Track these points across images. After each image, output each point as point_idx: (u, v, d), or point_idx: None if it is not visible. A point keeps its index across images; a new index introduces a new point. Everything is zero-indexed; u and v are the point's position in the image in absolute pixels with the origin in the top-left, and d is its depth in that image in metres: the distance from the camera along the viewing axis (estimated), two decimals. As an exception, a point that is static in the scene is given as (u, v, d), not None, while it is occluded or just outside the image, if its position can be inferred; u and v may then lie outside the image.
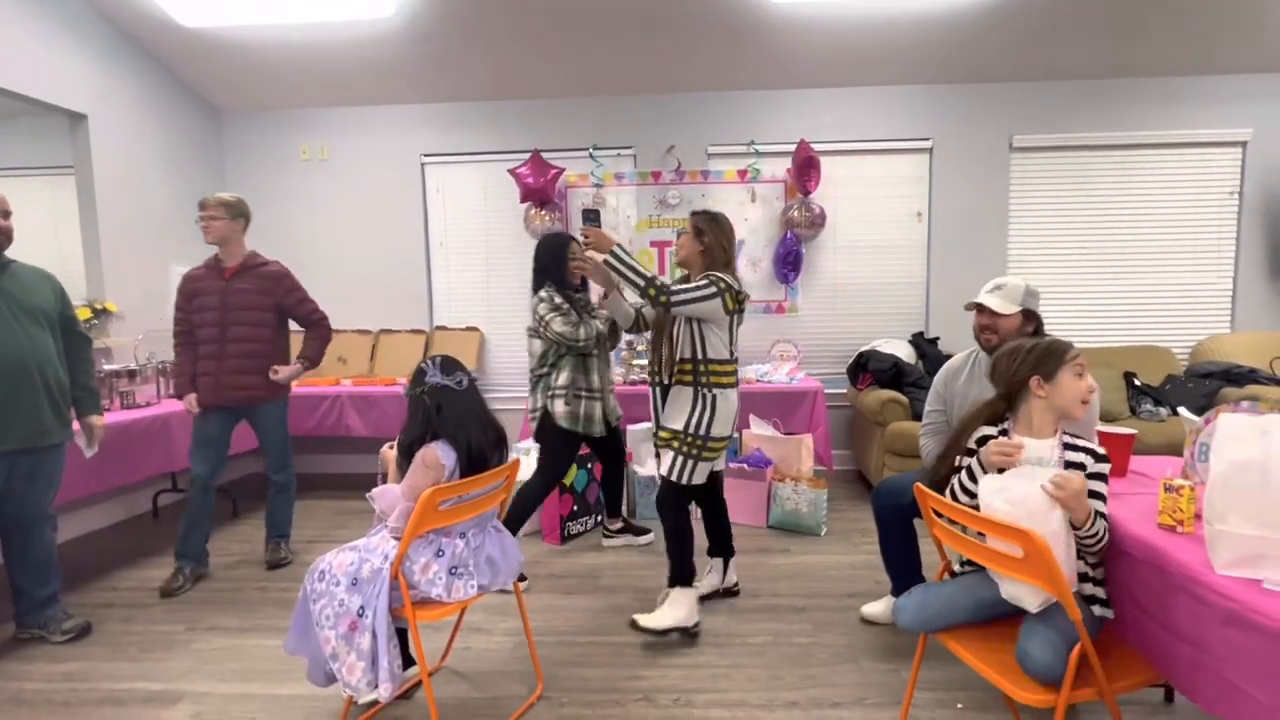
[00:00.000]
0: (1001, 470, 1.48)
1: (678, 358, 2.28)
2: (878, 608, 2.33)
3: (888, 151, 4.31)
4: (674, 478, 2.24)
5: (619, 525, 3.17)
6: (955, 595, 1.54)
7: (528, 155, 4.20)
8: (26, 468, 2.23)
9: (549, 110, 4.38)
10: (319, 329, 2.92)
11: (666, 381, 2.35)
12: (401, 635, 1.81)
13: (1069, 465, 1.46)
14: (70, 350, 2.38)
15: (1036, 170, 4.29)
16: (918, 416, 3.43)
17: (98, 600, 2.66)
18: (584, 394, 2.76)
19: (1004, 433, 1.57)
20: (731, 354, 2.26)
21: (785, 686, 1.97)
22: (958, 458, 1.61)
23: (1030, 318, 1.99)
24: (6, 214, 2.16)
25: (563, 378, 2.73)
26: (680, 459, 2.23)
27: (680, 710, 1.86)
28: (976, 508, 1.43)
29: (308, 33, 3.73)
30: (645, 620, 2.20)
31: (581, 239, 2.30)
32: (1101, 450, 1.50)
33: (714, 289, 2.13)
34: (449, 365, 1.80)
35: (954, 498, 1.56)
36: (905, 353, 3.99)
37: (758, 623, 2.36)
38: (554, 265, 2.74)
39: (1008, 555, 1.30)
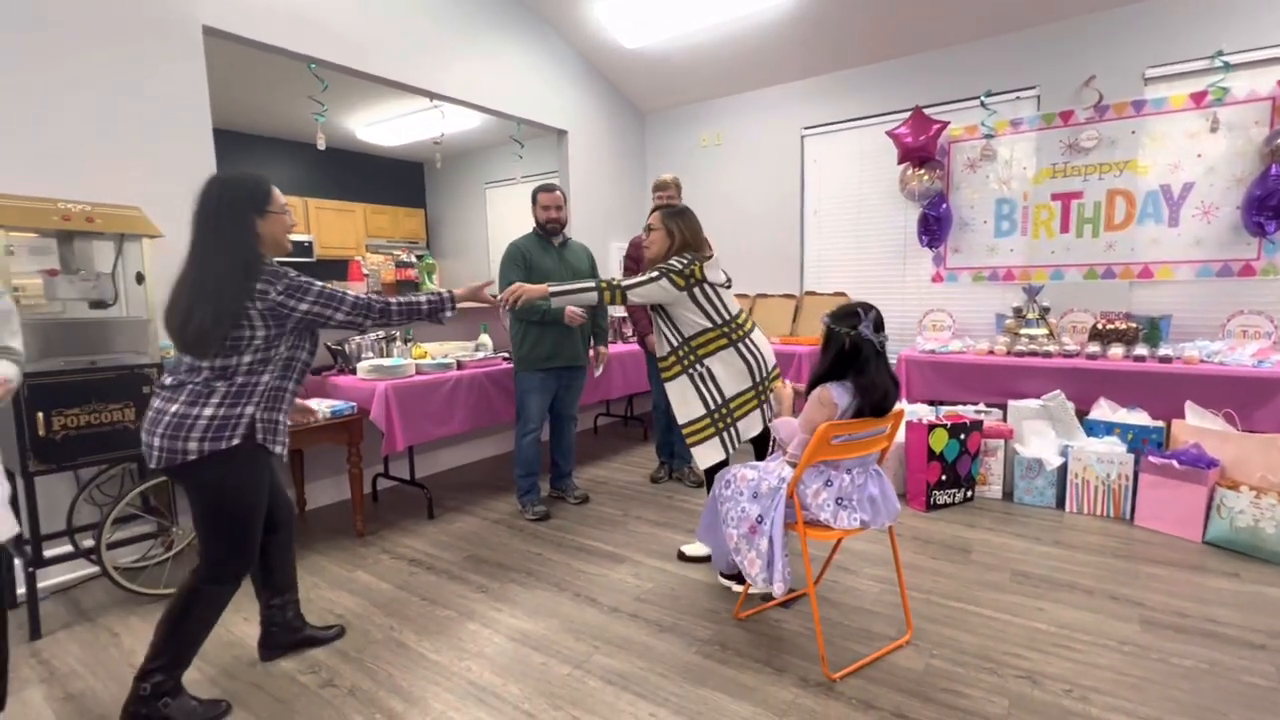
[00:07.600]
0: None
1: (659, 355, 2.42)
2: None
3: None
4: (727, 452, 2.37)
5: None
6: None
7: (907, 114, 4.07)
8: (567, 380, 3.23)
9: (932, 63, 4.15)
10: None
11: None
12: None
13: None
14: None
15: None
16: None
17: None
18: None
19: None
20: (719, 319, 2.33)
21: (1225, 722, 1.66)
22: None
23: None
24: (560, 207, 3.12)
25: None
26: (724, 434, 2.36)
27: (1074, 703, 1.73)
28: None
29: (713, 32, 4.29)
30: (688, 549, 2.67)
31: (503, 308, 2.32)
32: None
33: (657, 273, 2.28)
34: (879, 324, 1.94)
35: None
36: None
37: (1183, 644, 2.00)
38: None
39: None
